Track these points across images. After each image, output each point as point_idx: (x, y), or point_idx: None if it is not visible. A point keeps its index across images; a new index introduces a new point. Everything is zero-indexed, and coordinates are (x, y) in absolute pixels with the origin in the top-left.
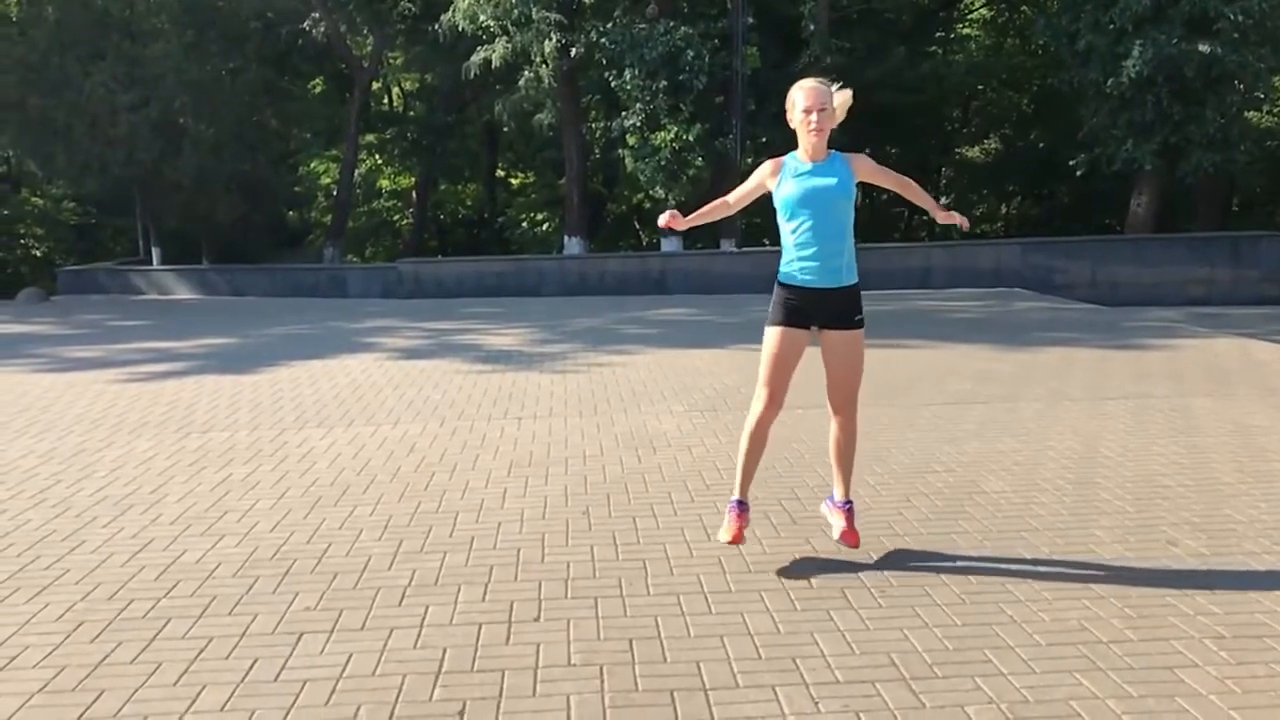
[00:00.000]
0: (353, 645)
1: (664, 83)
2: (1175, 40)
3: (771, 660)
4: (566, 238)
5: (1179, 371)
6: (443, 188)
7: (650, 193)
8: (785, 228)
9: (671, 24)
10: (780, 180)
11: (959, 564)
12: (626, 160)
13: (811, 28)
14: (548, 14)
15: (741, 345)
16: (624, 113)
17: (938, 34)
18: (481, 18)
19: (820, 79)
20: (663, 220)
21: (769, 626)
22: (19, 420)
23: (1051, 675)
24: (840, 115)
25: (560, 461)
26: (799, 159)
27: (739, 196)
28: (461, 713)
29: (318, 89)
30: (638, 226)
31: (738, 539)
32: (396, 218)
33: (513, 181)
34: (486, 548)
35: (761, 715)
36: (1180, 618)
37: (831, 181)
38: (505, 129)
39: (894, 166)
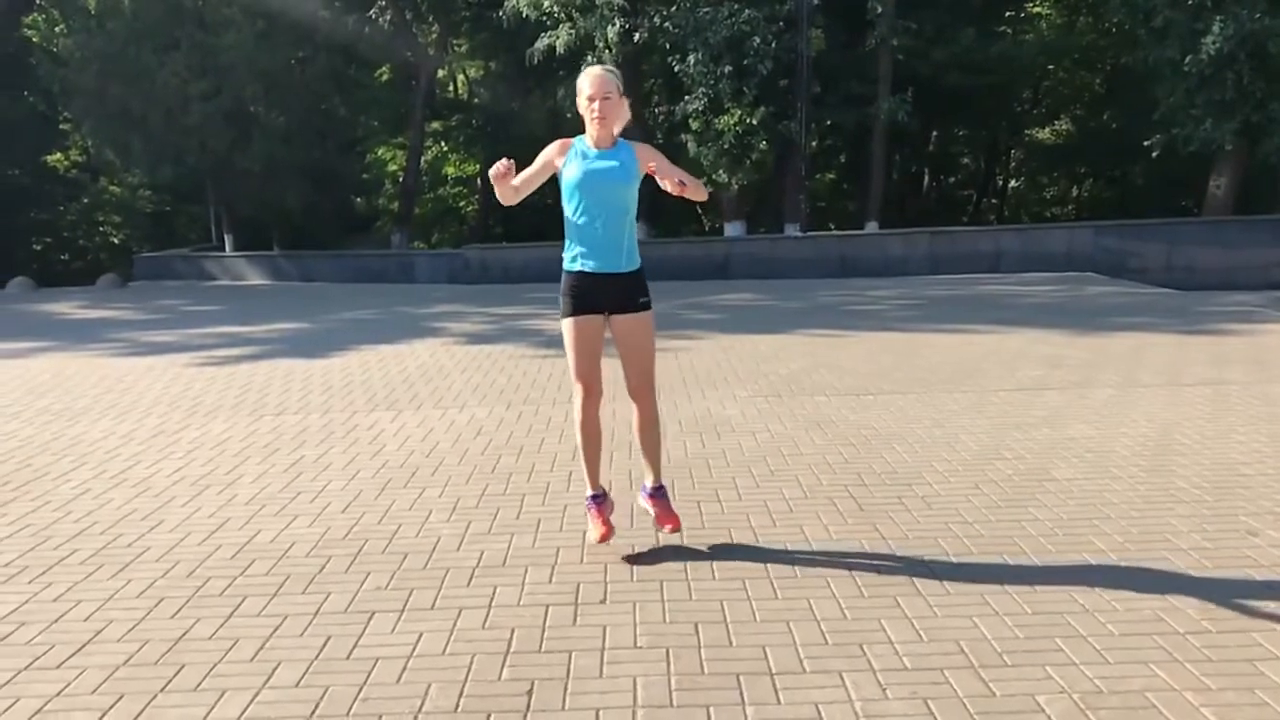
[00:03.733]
0: (423, 625)
1: (728, 67)
2: (1258, 15)
3: (838, 646)
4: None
5: (1259, 357)
6: None
7: (713, 177)
8: (567, 210)
9: (736, 7)
10: (566, 162)
11: (1029, 552)
12: (689, 145)
13: (879, 9)
14: None
15: (807, 330)
16: (687, 97)
17: (1007, 13)
18: (545, 3)
19: (608, 67)
20: (500, 166)
21: (836, 613)
22: (101, 403)
23: (1126, 666)
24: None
25: (624, 446)
26: (586, 143)
27: (531, 170)
28: (530, 692)
29: (384, 77)
30: (700, 211)
31: (605, 536)
32: (462, 204)
33: None
34: (553, 530)
35: (828, 701)
36: (1260, 609)
37: (614, 166)
38: (569, 115)
39: (963, 147)
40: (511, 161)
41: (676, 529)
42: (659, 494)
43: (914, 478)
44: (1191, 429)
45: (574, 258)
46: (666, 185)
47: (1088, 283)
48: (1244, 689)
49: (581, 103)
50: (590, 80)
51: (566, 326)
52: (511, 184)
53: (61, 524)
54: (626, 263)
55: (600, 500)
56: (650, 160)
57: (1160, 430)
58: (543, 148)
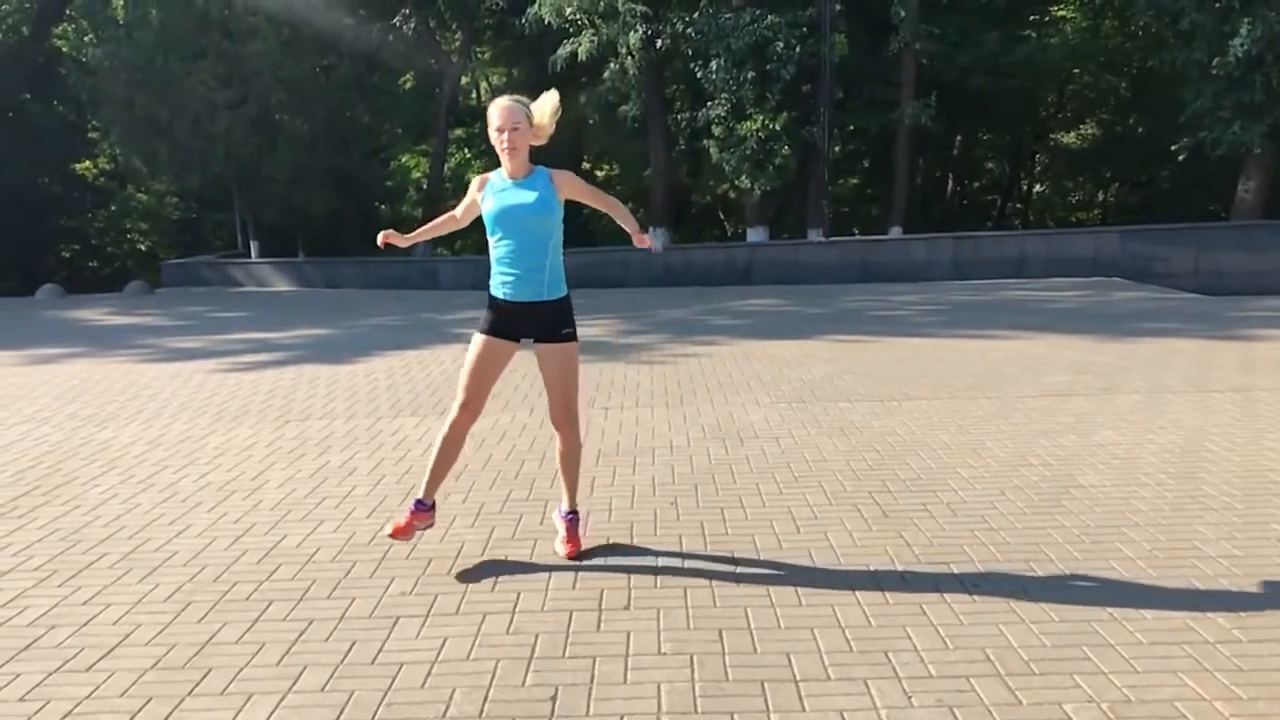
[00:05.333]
0: (447, 630)
1: (751, 72)
2: None
3: (863, 654)
4: (651, 228)
5: None
6: None
7: (736, 182)
8: (490, 242)
9: (758, 12)
10: (484, 196)
11: (1056, 559)
12: (712, 150)
13: (902, 14)
14: (633, 5)
15: (830, 336)
16: (709, 103)
17: (1032, 17)
18: (568, 10)
19: (516, 97)
20: (381, 239)
21: (860, 620)
22: (128, 408)
23: (1155, 675)
24: (548, 122)
25: (647, 452)
26: (502, 175)
27: (463, 210)
28: (554, 698)
29: (407, 85)
30: (722, 217)
31: (398, 534)
32: None
33: (599, 173)
34: (582, 540)
35: (854, 708)
36: None
37: (530, 198)
38: (591, 121)
39: (987, 152)
40: (392, 231)
41: (574, 554)
42: (570, 519)
43: (939, 484)
44: (1220, 435)
45: (496, 285)
46: (635, 239)
47: (1114, 288)
48: (1275, 699)
49: (492, 134)
50: (498, 112)
51: (475, 341)
52: (454, 215)
53: (91, 528)
54: (549, 292)
55: (425, 509)
56: (570, 187)
57: (1188, 437)
58: (564, 155)
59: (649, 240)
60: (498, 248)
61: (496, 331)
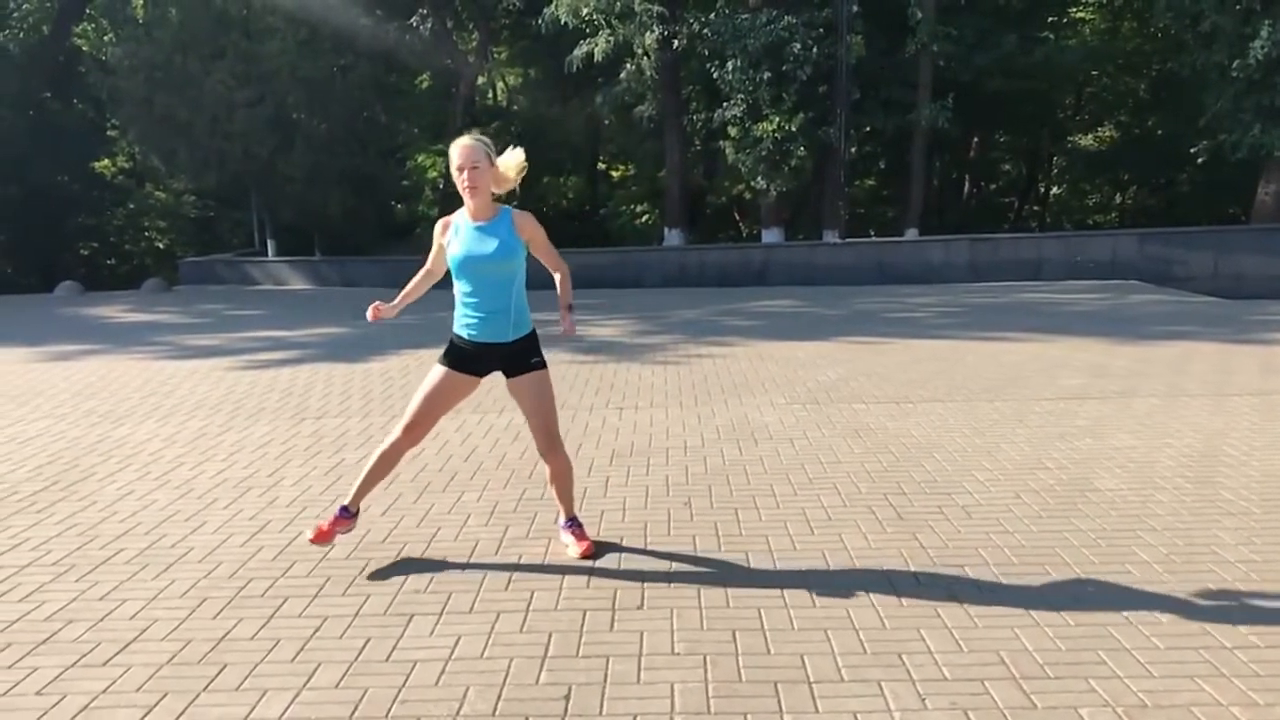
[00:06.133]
0: (461, 628)
1: (767, 73)
2: None
3: (877, 655)
4: (667, 229)
5: None
6: (545, 181)
7: (751, 183)
8: (455, 283)
9: (775, 13)
10: (449, 240)
11: (1071, 563)
12: (727, 151)
13: (919, 15)
14: (650, 6)
15: (845, 338)
16: (725, 103)
17: (1050, 19)
18: (584, 11)
19: (479, 136)
20: (370, 314)
21: (874, 622)
22: (145, 405)
23: (1171, 680)
24: (513, 175)
25: (662, 452)
26: (465, 217)
27: (433, 259)
28: (567, 697)
29: (424, 85)
30: (738, 218)
31: (318, 539)
32: None
33: (614, 174)
34: (590, 535)
35: (867, 710)
36: None
37: (491, 246)
38: (607, 122)
39: (1004, 153)
40: (378, 304)
41: (591, 553)
42: (572, 525)
43: (954, 487)
44: (1239, 440)
45: (460, 325)
46: (562, 316)
47: (1131, 291)
48: None
49: (453, 174)
50: (458, 151)
51: (435, 371)
52: (429, 270)
53: (107, 524)
54: (514, 332)
55: (348, 515)
56: (530, 232)
57: (1206, 441)
58: (580, 154)
59: (569, 321)
60: (462, 291)
61: (459, 367)
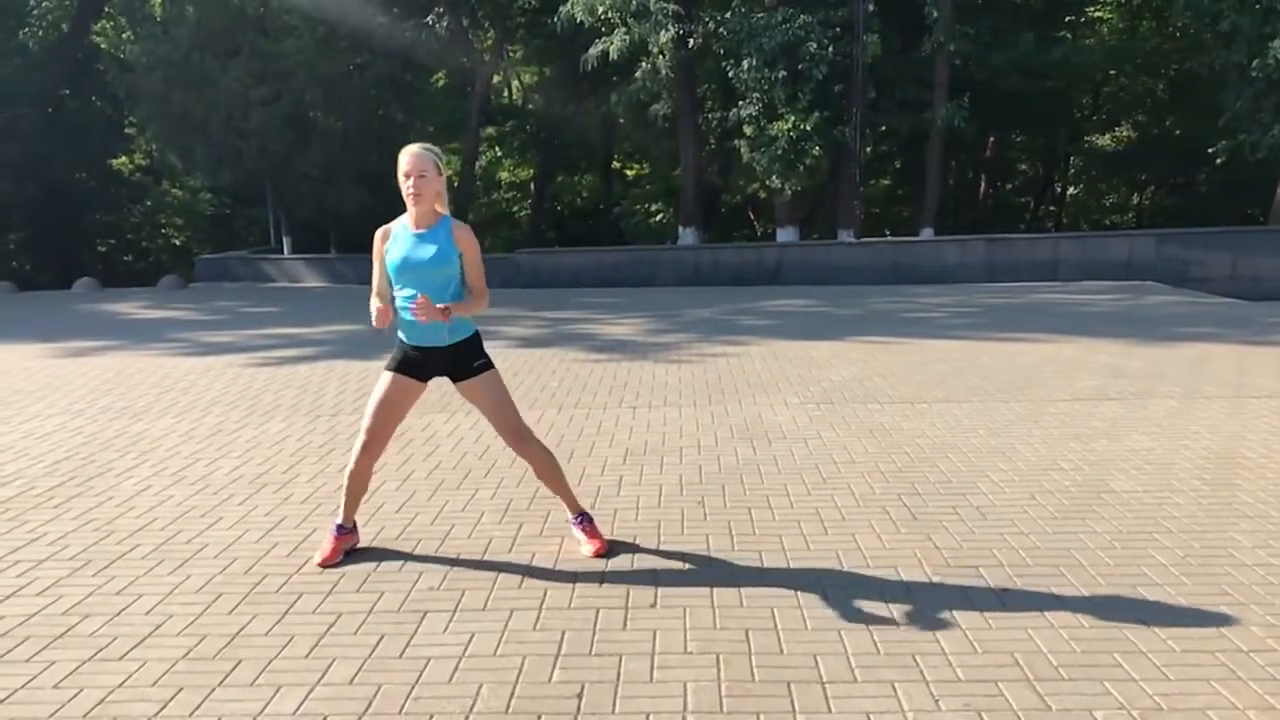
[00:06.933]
0: (474, 625)
1: (783, 72)
2: None
3: (891, 656)
4: (681, 228)
5: None
6: (560, 179)
7: (767, 182)
8: (394, 287)
9: (791, 12)
10: (389, 246)
11: (1086, 565)
12: (743, 150)
13: (935, 14)
14: (665, 4)
15: (860, 337)
16: (741, 103)
17: (1067, 18)
18: (599, 9)
19: (426, 145)
20: (376, 320)
21: (888, 622)
22: (161, 401)
23: (1187, 683)
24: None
25: (675, 451)
26: (406, 224)
27: (377, 281)
28: (580, 695)
29: (440, 83)
30: (753, 217)
31: (327, 560)
32: (515, 209)
33: (628, 173)
34: (603, 534)
35: (880, 711)
36: None
37: (429, 251)
38: (621, 120)
39: (1020, 153)
40: (385, 308)
41: (604, 550)
42: (582, 521)
43: (968, 488)
44: (1256, 442)
45: (401, 327)
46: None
47: (1149, 292)
48: None
49: (400, 179)
50: (407, 158)
51: (383, 378)
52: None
53: (124, 519)
54: (451, 336)
55: (346, 532)
56: (465, 244)
57: (1223, 443)
58: (594, 153)
59: (432, 308)
60: (401, 296)
61: (405, 371)
